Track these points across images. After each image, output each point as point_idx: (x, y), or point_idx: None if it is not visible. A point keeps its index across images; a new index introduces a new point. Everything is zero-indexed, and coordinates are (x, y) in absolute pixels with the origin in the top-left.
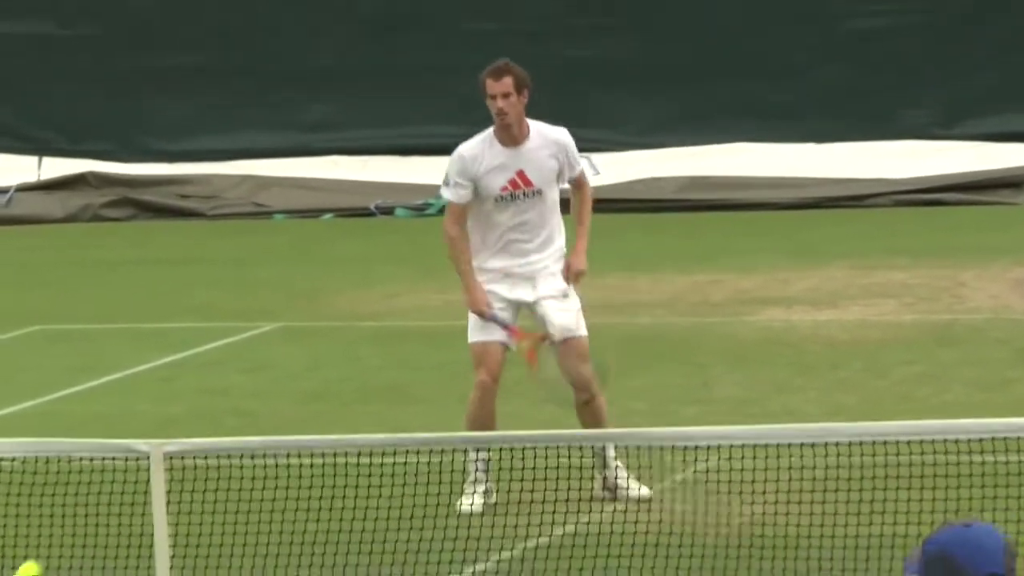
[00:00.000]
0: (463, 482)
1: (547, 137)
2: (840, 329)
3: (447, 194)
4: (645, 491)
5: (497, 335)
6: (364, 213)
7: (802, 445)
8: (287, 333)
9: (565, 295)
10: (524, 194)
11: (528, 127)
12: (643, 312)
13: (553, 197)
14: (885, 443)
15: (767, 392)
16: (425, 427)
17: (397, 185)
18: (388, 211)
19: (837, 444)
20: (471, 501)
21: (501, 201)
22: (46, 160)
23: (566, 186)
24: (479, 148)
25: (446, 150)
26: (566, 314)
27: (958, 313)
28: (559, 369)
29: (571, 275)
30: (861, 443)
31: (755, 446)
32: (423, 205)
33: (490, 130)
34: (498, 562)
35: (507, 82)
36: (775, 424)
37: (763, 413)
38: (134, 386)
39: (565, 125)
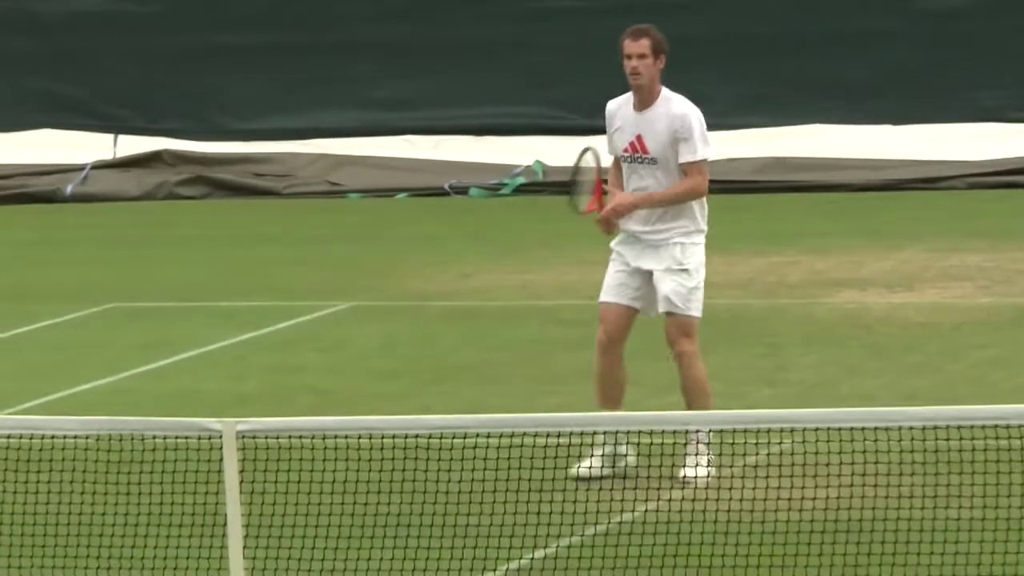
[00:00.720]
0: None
1: (671, 108)
2: (915, 312)
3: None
4: (699, 472)
5: (622, 298)
6: (438, 192)
7: (876, 428)
8: (361, 312)
9: (683, 270)
10: (641, 159)
11: (659, 94)
12: (718, 293)
13: (672, 173)
14: (960, 427)
15: (840, 375)
16: (499, 407)
17: (471, 164)
18: (462, 191)
19: (911, 428)
20: (588, 464)
21: (625, 162)
22: (121, 138)
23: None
24: (618, 104)
25: (520, 129)
26: (675, 288)
27: None
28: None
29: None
30: (935, 427)
31: (828, 429)
32: (497, 185)
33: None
34: (568, 547)
35: (644, 43)
36: (848, 407)
37: (836, 396)
38: (208, 364)
39: None
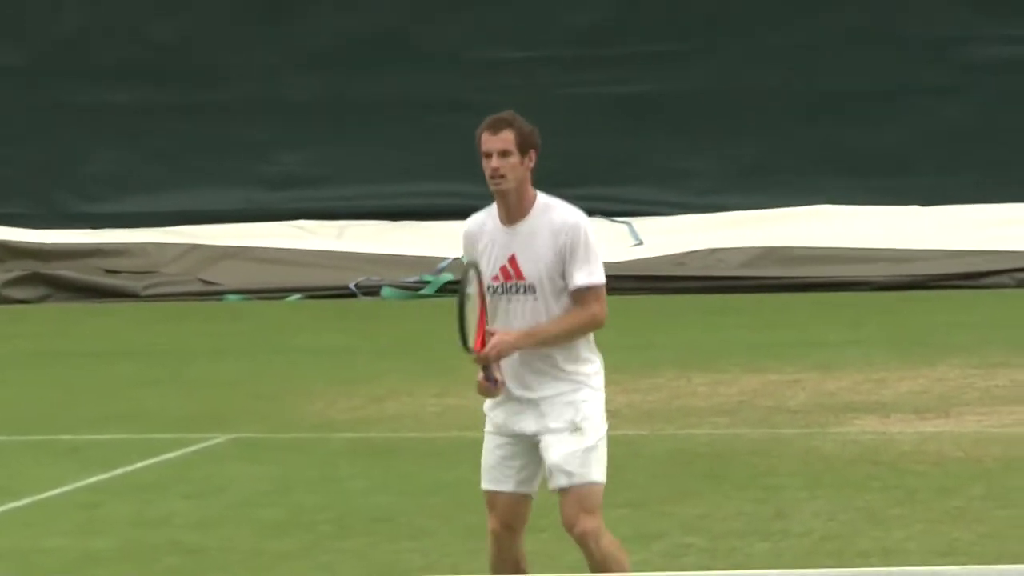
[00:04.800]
0: None
1: (553, 220)
2: (952, 444)
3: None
4: None
5: (506, 485)
6: (342, 293)
7: None
8: (244, 447)
9: (576, 428)
10: (515, 288)
11: (534, 201)
12: (701, 421)
13: (559, 303)
14: None
15: (858, 525)
16: (422, 569)
17: (384, 257)
18: (372, 291)
19: None
20: None
21: (491, 294)
22: None
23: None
24: (480, 220)
25: (448, 212)
26: (566, 454)
27: None
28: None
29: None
30: None
31: None
32: (417, 283)
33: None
34: None
35: (506, 137)
36: (867, 567)
37: (852, 552)
38: (47, 515)
39: (599, 179)
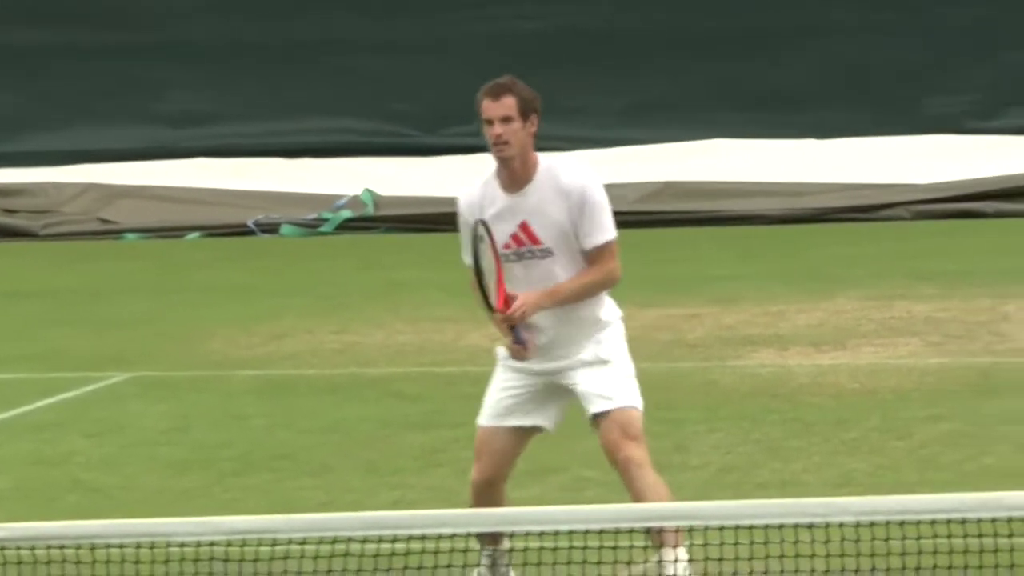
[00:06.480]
0: None
1: (560, 182)
2: (849, 377)
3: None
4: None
5: (512, 420)
6: (240, 231)
7: (796, 526)
8: (144, 385)
9: (604, 362)
10: (531, 253)
11: (536, 166)
12: None
13: (575, 263)
14: (903, 523)
15: (756, 457)
16: (322, 505)
17: (282, 195)
18: (271, 228)
19: (842, 525)
20: None
21: (508, 261)
22: None
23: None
24: (478, 193)
25: (346, 149)
26: (606, 378)
27: (999, 355)
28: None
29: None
30: (872, 523)
31: (737, 527)
32: (316, 221)
33: (492, 169)
34: None
35: (508, 103)
36: (765, 499)
37: (750, 484)
38: None
39: None
